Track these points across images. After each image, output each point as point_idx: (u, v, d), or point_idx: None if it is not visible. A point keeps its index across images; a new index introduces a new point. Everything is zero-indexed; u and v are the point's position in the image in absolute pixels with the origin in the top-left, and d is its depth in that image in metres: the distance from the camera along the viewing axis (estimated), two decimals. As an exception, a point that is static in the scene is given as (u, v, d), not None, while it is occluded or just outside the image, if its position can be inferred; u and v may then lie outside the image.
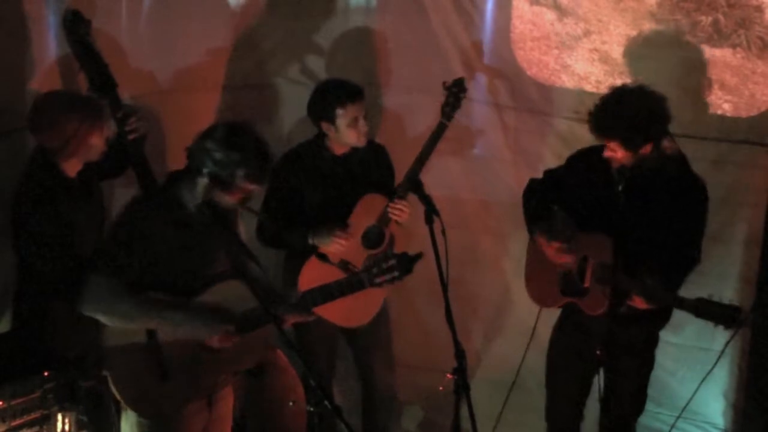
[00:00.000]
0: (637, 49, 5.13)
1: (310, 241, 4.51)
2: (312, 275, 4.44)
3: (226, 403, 4.08)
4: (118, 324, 3.76)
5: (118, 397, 3.84)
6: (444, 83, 4.65)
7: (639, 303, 4.10)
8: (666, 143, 4.17)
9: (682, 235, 4.18)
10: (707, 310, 3.95)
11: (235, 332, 3.83)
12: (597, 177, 4.25)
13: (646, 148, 4.09)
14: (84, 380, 4.00)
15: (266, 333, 3.95)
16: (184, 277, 3.82)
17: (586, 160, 4.37)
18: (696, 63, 5.03)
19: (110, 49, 4.69)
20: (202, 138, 3.78)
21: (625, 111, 4.05)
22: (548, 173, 4.55)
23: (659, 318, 4.38)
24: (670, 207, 3.90)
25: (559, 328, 4.60)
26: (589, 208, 4.28)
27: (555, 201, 4.38)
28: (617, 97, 4.13)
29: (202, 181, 3.75)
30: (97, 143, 4.23)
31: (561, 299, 4.45)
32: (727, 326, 3.93)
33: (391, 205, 4.58)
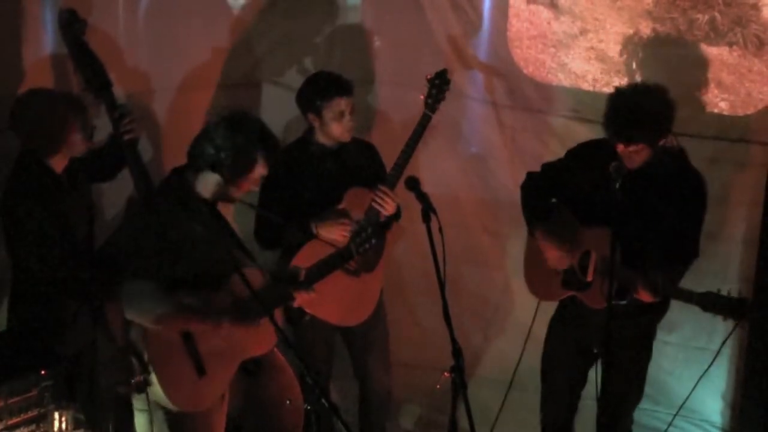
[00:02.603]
0: (634, 48, 5.14)
1: (314, 230, 4.49)
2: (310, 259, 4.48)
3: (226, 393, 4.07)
4: (158, 326, 3.75)
5: (162, 394, 3.79)
6: (427, 76, 4.64)
7: (644, 296, 4.08)
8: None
9: (681, 229, 4.17)
10: (714, 303, 3.93)
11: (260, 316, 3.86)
12: (597, 172, 4.18)
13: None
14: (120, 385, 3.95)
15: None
16: (208, 270, 3.84)
17: (585, 155, 4.37)
18: (693, 61, 5.03)
19: (106, 47, 4.68)
20: (208, 134, 3.84)
21: (647, 114, 4.03)
22: (547, 167, 4.53)
23: (658, 310, 4.38)
24: (669, 201, 3.89)
25: (557, 321, 4.59)
26: (589, 203, 4.28)
27: (554, 195, 4.42)
28: (631, 101, 4.08)
29: (213, 177, 3.83)
30: (79, 138, 4.23)
31: (562, 292, 4.43)
32: (735, 319, 3.93)
33: (374, 195, 4.55)
